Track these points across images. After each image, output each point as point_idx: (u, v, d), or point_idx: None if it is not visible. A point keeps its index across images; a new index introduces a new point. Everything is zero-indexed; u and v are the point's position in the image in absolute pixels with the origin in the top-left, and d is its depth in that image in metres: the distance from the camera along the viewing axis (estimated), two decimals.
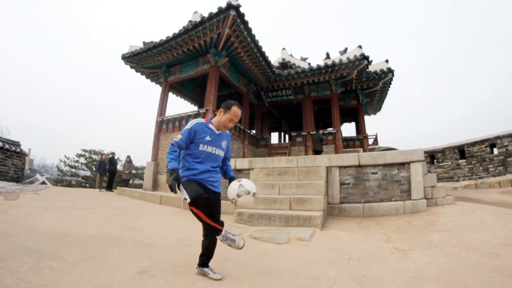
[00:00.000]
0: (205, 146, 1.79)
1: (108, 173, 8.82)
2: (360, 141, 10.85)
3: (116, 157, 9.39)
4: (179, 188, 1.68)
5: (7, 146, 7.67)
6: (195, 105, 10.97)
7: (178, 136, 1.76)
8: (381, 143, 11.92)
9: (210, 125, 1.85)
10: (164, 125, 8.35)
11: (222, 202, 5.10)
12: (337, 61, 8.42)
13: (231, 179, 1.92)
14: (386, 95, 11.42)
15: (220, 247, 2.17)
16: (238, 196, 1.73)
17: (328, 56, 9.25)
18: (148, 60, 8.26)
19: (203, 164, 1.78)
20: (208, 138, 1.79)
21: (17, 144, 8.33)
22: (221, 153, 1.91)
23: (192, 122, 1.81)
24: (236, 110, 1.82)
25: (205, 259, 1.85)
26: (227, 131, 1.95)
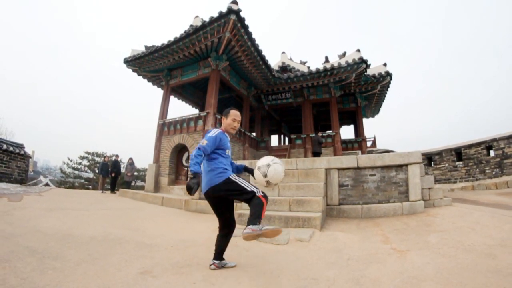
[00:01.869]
0: (228, 151, 2.05)
1: (110, 175, 8.86)
2: (358, 143, 10.91)
3: (118, 159, 9.46)
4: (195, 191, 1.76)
5: (11, 148, 7.74)
6: (196, 108, 11.04)
7: (203, 142, 1.88)
8: (379, 146, 12.00)
9: (225, 133, 2.10)
10: (166, 127, 8.41)
11: None
12: (336, 64, 8.53)
13: (245, 168, 2.21)
14: (384, 98, 11.53)
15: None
16: (265, 176, 1.87)
17: (327, 60, 9.38)
18: (150, 64, 8.36)
19: (227, 166, 2.01)
20: (228, 144, 2.08)
21: (21, 146, 8.38)
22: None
23: (215, 131, 2.01)
24: (234, 111, 2.13)
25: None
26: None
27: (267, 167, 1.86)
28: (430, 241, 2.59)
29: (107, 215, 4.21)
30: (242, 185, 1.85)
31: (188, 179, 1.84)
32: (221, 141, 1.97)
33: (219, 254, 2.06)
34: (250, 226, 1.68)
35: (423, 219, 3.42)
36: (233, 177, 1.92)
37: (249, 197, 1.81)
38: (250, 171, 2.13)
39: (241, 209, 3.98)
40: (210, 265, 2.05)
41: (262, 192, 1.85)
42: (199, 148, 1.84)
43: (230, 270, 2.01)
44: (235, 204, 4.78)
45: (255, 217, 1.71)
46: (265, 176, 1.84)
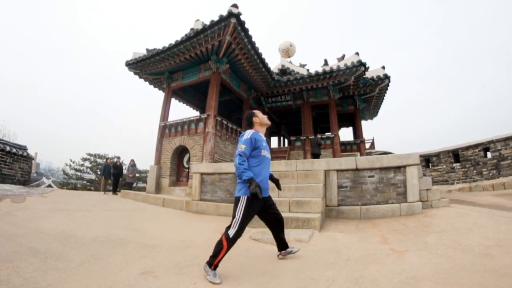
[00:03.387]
0: (264, 151, 2.07)
1: (112, 177, 8.89)
2: (357, 145, 10.97)
3: (120, 161, 9.52)
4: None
5: (14, 150, 7.79)
6: (197, 110, 11.10)
7: (242, 147, 1.94)
8: (378, 147, 12.05)
9: (260, 133, 2.15)
10: (167, 129, 8.45)
11: (222, 205, 5.16)
12: (335, 67, 8.62)
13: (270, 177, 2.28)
14: (382, 101, 11.62)
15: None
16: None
17: (326, 63, 9.48)
18: (151, 66, 8.44)
19: (261, 169, 2.04)
20: (264, 144, 2.10)
21: (24, 148, 8.43)
22: (269, 156, 2.20)
23: (248, 133, 2.05)
24: (256, 111, 2.29)
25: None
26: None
27: (289, 48, 2.25)
28: (428, 242, 2.61)
29: (109, 216, 4.23)
30: (237, 216, 1.91)
31: (248, 186, 1.85)
32: (256, 142, 2.02)
33: (280, 246, 2.29)
34: (206, 267, 1.87)
35: (421, 220, 3.44)
36: (244, 201, 1.91)
37: (227, 227, 1.93)
38: (275, 181, 2.30)
39: None
40: (278, 255, 2.31)
41: (233, 237, 1.86)
42: (240, 155, 1.90)
43: (230, 271, 2.03)
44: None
45: (212, 256, 1.87)
46: (287, 52, 2.23)
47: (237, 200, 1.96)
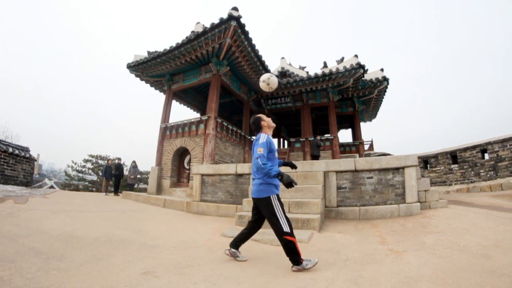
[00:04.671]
0: (275, 153, 2.21)
1: (114, 178, 8.93)
2: (356, 146, 11.02)
3: (122, 162, 9.57)
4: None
5: (16, 151, 7.82)
6: (197, 112, 11.16)
7: (260, 149, 2.04)
8: (377, 149, 12.09)
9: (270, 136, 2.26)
10: (168, 131, 8.50)
11: (222, 205, 5.20)
12: (334, 70, 8.69)
13: (284, 163, 2.43)
14: (381, 103, 11.69)
15: (225, 248, 2.25)
16: (268, 84, 2.54)
17: (325, 65, 9.56)
18: (152, 69, 8.50)
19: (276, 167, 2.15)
20: (275, 145, 2.25)
21: (26, 149, 8.47)
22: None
23: (263, 137, 2.16)
24: (260, 114, 2.38)
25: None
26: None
27: (268, 79, 2.51)
28: (426, 242, 2.63)
29: (111, 217, 4.25)
30: (277, 214, 2.03)
31: (281, 180, 1.98)
32: (271, 145, 2.15)
33: (236, 244, 2.32)
34: (296, 267, 2.00)
35: (420, 220, 3.46)
36: (275, 199, 2.06)
37: (276, 232, 2.04)
38: (288, 164, 2.44)
39: (241, 211, 4.02)
40: (225, 250, 2.36)
41: (290, 230, 2.02)
42: (260, 157, 1.99)
43: (231, 271, 2.05)
44: (235, 206, 4.82)
45: (294, 255, 2.00)
46: (268, 84, 2.47)
47: (267, 201, 2.06)
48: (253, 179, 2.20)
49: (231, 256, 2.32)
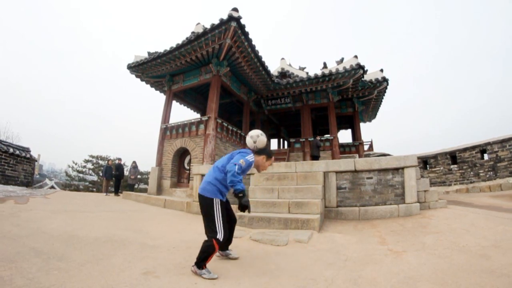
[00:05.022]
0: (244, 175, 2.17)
1: (114, 178, 8.94)
2: (356, 147, 11.04)
3: (122, 163, 9.60)
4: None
5: (17, 152, 7.86)
6: (197, 113, 11.17)
7: (242, 161, 2.01)
8: (376, 149, 12.11)
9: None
10: (168, 132, 8.51)
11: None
12: (334, 70, 8.72)
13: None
14: (381, 103, 11.71)
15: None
16: (255, 142, 2.28)
17: (325, 66, 9.58)
18: (152, 69, 8.53)
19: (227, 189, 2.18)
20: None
21: (27, 150, 8.49)
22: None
23: (251, 157, 2.11)
24: (273, 158, 2.32)
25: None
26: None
27: (258, 137, 2.28)
28: (425, 242, 2.64)
29: (111, 217, 4.25)
30: (215, 217, 1.99)
31: (240, 198, 1.94)
32: (249, 167, 2.12)
33: (221, 248, 2.28)
34: (195, 268, 1.95)
35: (419, 221, 3.47)
36: (218, 203, 2.02)
37: (208, 232, 2.00)
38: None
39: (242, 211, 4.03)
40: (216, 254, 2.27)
41: (221, 238, 1.96)
42: (237, 165, 1.96)
43: (231, 271, 2.05)
44: (236, 206, 4.83)
45: (202, 259, 1.93)
46: (254, 142, 2.25)
47: (209, 202, 2.02)
48: (207, 175, 2.16)
49: (224, 256, 2.35)
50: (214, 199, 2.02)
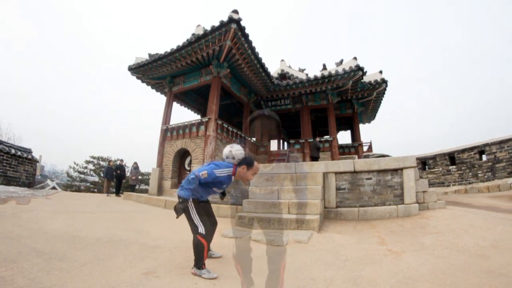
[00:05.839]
0: (217, 189, 2.18)
1: (115, 179, 8.96)
2: (355, 148, 11.07)
3: (123, 164, 9.63)
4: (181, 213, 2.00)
5: (19, 153, 7.90)
6: (198, 114, 11.21)
7: (204, 173, 1.98)
8: (375, 150, 12.11)
9: (233, 177, 2.10)
10: (169, 133, 8.54)
11: (223, 206, 5.20)
12: (333, 72, 8.77)
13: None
14: (380, 104, 11.76)
15: (225, 249, 2.27)
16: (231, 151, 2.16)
17: (324, 67, 9.64)
18: (153, 71, 8.57)
19: (205, 195, 2.23)
20: (226, 186, 2.18)
21: (28, 151, 8.52)
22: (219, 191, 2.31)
23: (221, 172, 2.02)
24: (257, 165, 2.14)
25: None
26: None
27: (230, 153, 2.14)
28: (424, 243, 2.65)
29: (112, 218, 4.26)
30: (192, 216, 2.04)
31: (179, 202, 2.00)
32: (219, 183, 2.07)
33: None
34: (195, 269, 1.98)
35: (418, 221, 3.49)
36: (191, 202, 2.03)
37: (192, 231, 2.04)
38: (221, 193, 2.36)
39: (242, 212, 4.04)
40: None
41: (204, 232, 1.99)
42: (195, 177, 1.96)
43: (231, 271, 2.06)
44: (236, 206, 4.84)
45: (198, 259, 1.98)
46: (233, 157, 2.12)
47: (185, 204, 2.04)
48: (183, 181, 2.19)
49: (207, 257, 2.32)
50: (189, 200, 2.05)
